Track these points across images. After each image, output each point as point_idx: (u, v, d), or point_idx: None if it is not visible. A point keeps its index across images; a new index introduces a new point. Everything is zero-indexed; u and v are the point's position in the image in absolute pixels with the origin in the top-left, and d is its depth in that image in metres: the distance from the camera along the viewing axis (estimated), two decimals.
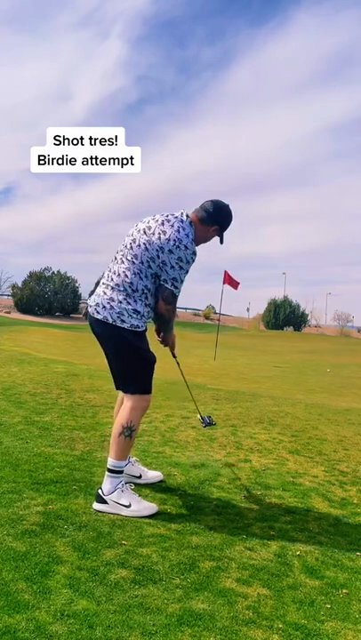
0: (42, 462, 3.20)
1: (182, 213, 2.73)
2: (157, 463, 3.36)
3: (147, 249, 2.62)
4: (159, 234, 2.62)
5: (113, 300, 2.64)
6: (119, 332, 2.63)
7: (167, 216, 2.69)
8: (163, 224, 2.65)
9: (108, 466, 2.66)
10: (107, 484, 2.64)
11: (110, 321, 2.63)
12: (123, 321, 2.62)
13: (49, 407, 4.80)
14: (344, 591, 2.01)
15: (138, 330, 2.64)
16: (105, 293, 2.67)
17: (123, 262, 2.68)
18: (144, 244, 2.63)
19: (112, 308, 2.63)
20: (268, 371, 10.65)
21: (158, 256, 2.60)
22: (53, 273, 40.27)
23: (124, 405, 2.71)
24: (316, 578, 2.10)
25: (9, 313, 34.52)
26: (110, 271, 2.72)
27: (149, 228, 2.67)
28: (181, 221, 2.67)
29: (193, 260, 2.67)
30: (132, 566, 2.05)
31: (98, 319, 2.66)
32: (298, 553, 2.29)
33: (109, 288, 2.67)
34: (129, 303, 2.63)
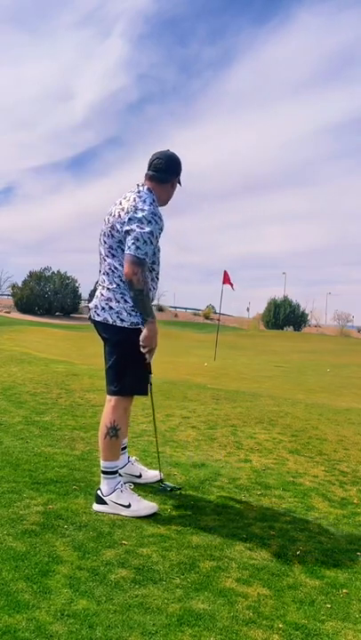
0: (42, 462, 3.20)
1: (138, 185, 2.70)
2: (157, 463, 3.35)
3: (113, 236, 2.61)
4: (119, 212, 2.60)
5: (110, 301, 2.63)
6: (120, 331, 2.62)
7: (124, 195, 2.67)
8: (120, 203, 2.64)
9: (102, 468, 2.66)
10: (104, 485, 2.63)
11: (110, 322, 2.62)
12: (122, 320, 2.60)
13: (49, 407, 4.80)
14: (344, 591, 2.01)
15: (138, 327, 2.60)
16: (102, 295, 2.67)
17: (105, 259, 2.68)
18: (110, 229, 2.62)
19: (111, 308, 2.62)
20: (268, 371, 10.65)
21: (122, 233, 2.55)
22: (53, 273, 40.26)
23: (107, 406, 2.68)
24: (317, 578, 2.10)
25: (9, 313, 34.53)
26: (102, 273, 2.72)
27: (110, 213, 2.65)
28: (139, 192, 2.64)
29: (156, 222, 2.56)
30: (132, 566, 2.05)
31: (98, 321, 2.66)
32: (298, 553, 2.29)
33: (105, 289, 2.66)
34: (126, 301, 2.60)
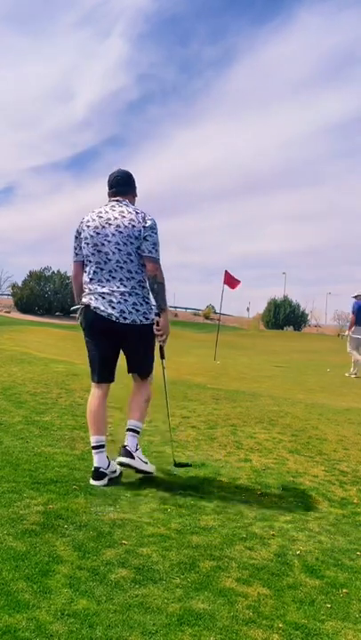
0: (42, 462, 3.20)
1: (119, 201, 3.18)
2: (157, 463, 3.35)
3: (130, 244, 3.04)
4: (130, 223, 3.05)
5: (136, 305, 3.05)
6: (146, 327, 3.07)
7: (122, 215, 3.09)
8: (128, 220, 3.06)
9: (134, 427, 3.10)
10: (132, 441, 3.06)
11: (138, 322, 3.04)
12: (146, 318, 3.07)
13: (49, 407, 4.80)
14: (344, 591, 2.01)
15: (154, 321, 3.09)
16: (126, 301, 3.04)
17: (123, 266, 3.06)
18: (129, 241, 3.04)
19: (137, 311, 3.05)
20: (268, 370, 10.64)
21: (140, 242, 3.04)
22: (53, 273, 40.20)
23: (142, 384, 3.21)
24: (317, 577, 2.10)
25: (9, 313, 34.51)
26: (112, 278, 3.06)
27: (119, 228, 3.05)
28: (127, 206, 3.15)
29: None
30: (132, 566, 2.05)
31: (130, 323, 3.03)
32: (298, 552, 2.29)
33: (129, 294, 3.05)
34: (147, 302, 3.09)
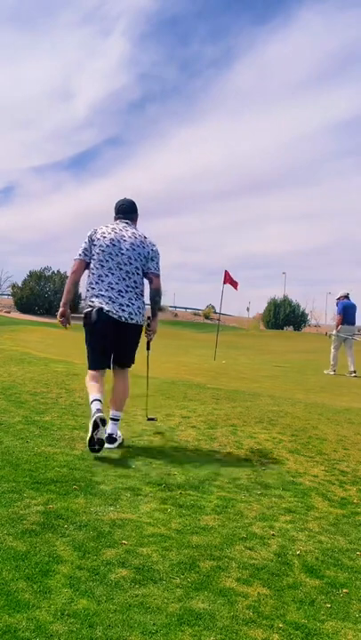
0: (42, 462, 3.20)
1: (127, 224, 3.88)
2: (157, 462, 3.36)
3: (139, 260, 3.75)
4: (141, 244, 3.78)
5: (139, 308, 3.76)
6: (141, 327, 3.80)
7: (134, 236, 3.79)
8: (139, 241, 3.79)
9: (116, 416, 3.80)
10: (115, 428, 3.77)
11: (140, 323, 3.76)
12: (142, 320, 3.78)
13: (49, 407, 4.80)
14: (344, 590, 2.01)
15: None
16: (133, 304, 3.72)
17: (131, 277, 3.73)
18: (139, 258, 3.75)
19: (140, 314, 3.76)
20: (268, 370, 10.64)
21: (147, 261, 3.79)
22: (53, 272, 40.18)
23: (125, 375, 3.88)
24: (317, 577, 2.10)
25: (9, 312, 34.52)
26: (124, 283, 3.71)
27: (133, 246, 3.74)
28: (135, 229, 3.87)
29: None
30: (132, 566, 2.05)
31: (134, 323, 3.71)
32: (298, 552, 2.29)
33: (134, 299, 3.73)
34: (144, 307, 3.82)
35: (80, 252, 3.81)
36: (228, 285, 12.84)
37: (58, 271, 40.71)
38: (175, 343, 18.46)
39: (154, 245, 3.81)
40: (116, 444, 3.69)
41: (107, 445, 3.53)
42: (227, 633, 1.69)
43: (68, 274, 3.93)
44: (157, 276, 3.82)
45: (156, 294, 3.80)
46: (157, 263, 3.82)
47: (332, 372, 10.69)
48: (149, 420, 4.33)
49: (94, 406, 3.48)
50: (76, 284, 3.92)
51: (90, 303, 3.73)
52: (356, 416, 5.45)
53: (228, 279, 12.76)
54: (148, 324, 3.86)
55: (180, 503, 2.75)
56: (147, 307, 3.90)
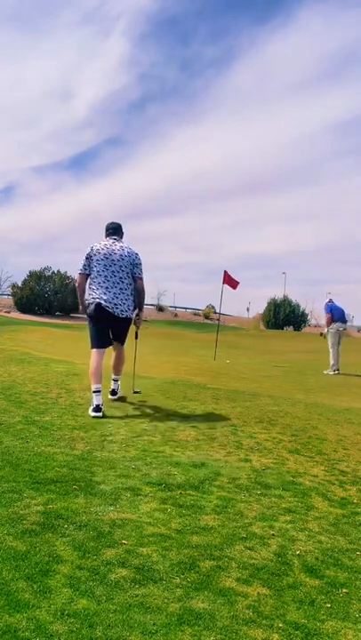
0: (42, 462, 3.20)
1: (116, 240, 5.05)
2: (157, 462, 3.36)
3: (127, 267, 4.93)
4: (130, 254, 4.97)
5: (131, 305, 4.99)
6: (130, 319, 5.08)
7: (122, 248, 4.97)
8: (124, 248, 4.98)
9: (116, 378, 5.48)
10: (117, 386, 5.48)
11: (130, 316, 5.03)
12: (132, 314, 5.04)
13: (49, 407, 4.80)
14: (344, 590, 2.01)
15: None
16: (127, 300, 4.93)
17: (123, 280, 4.92)
18: (129, 263, 4.94)
19: (130, 310, 5.00)
20: (268, 370, 10.63)
21: (134, 267, 4.99)
22: (53, 272, 40.14)
23: (121, 349, 5.36)
24: (317, 577, 2.10)
25: (9, 312, 34.51)
26: (118, 287, 4.89)
27: (122, 256, 4.91)
28: (129, 247, 5.02)
29: None
30: (132, 566, 2.05)
31: (125, 317, 4.95)
32: (298, 552, 2.29)
33: (127, 297, 4.94)
34: (133, 303, 5.05)
35: (81, 268, 4.95)
36: (226, 286, 12.83)
37: (58, 271, 40.68)
38: (175, 343, 18.47)
39: (137, 254, 4.99)
40: (116, 396, 5.35)
41: (109, 397, 5.27)
42: (227, 633, 1.69)
43: (76, 285, 5.15)
44: (141, 278, 5.03)
45: (140, 293, 5.06)
46: (141, 269, 5.00)
47: (332, 372, 10.72)
48: (135, 392, 5.53)
49: (94, 397, 4.66)
50: (84, 291, 5.01)
51: (91, 300, 4.90)
52: (356, 416, 5.45)
53: (228, 279, 12.76)
54: (137, 315, 5.15)
55: (180, 503, 2.75)
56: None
